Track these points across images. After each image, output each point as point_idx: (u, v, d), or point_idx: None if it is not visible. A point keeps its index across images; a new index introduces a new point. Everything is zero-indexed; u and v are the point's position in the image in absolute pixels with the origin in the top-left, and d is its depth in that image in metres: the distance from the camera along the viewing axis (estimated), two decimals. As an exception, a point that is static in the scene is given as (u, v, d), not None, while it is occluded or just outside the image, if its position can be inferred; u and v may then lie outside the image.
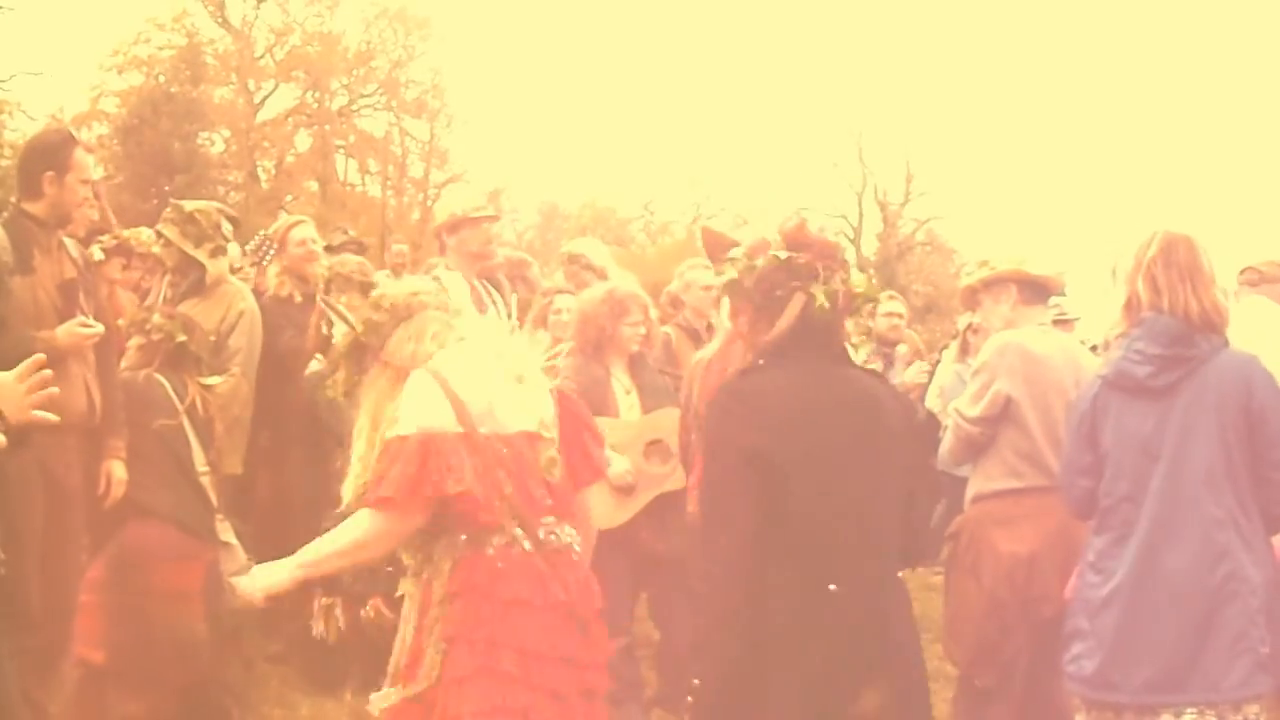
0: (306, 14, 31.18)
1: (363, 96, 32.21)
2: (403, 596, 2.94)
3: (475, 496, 2.71)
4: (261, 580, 2.82)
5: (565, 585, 2.80)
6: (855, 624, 2.69)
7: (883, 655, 2.75)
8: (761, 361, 2.81)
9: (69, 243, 4.23)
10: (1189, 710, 3.12)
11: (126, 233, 6.17)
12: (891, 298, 7.26)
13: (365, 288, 5.03)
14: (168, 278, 5.29)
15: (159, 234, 5.27)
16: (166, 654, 3.98)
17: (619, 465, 4.55)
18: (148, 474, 4.16)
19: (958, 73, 51.00)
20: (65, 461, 4.01)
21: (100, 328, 4.04)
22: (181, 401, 4.32)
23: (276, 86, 30.91)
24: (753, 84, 54.54)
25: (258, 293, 5.60)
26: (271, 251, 5.95)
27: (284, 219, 6.30)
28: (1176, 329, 3.17)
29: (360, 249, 8.20)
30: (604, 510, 4.52)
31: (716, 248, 2.99)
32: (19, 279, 3.96)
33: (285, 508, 5.08)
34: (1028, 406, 3.92)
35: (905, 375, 6.22)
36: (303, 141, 31.42)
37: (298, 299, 5.47)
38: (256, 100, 30.58)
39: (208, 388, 4.44)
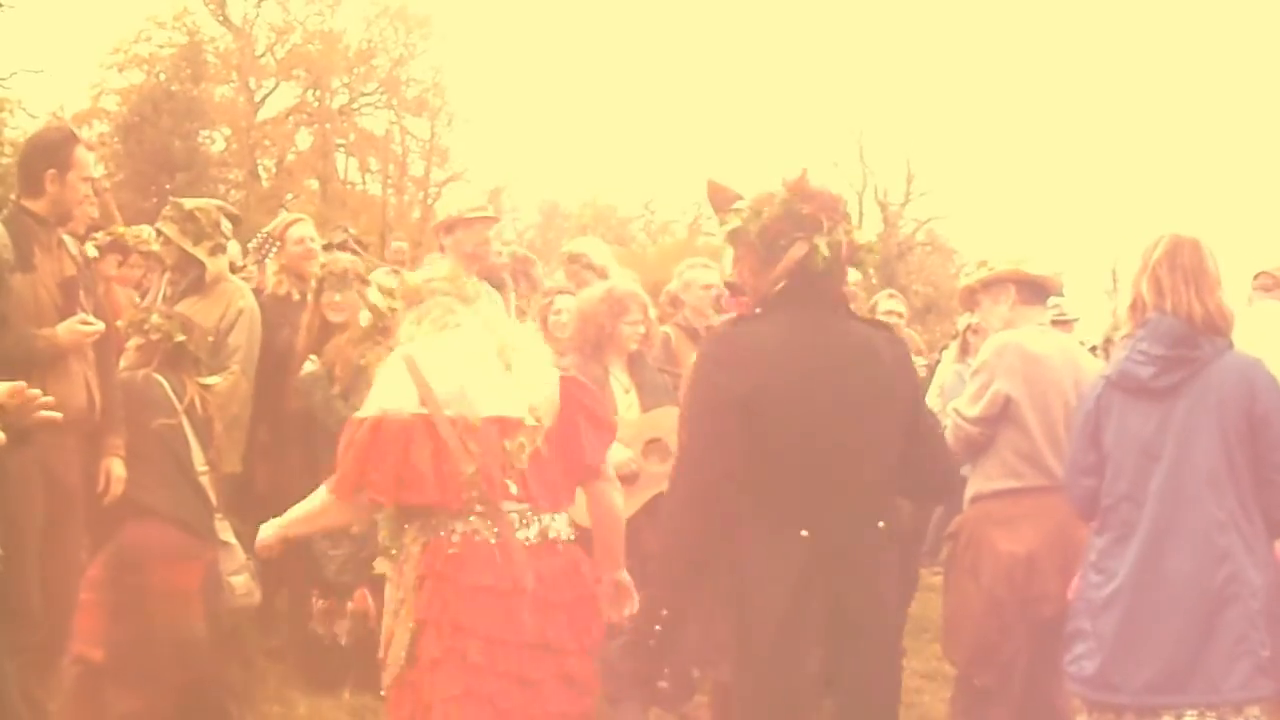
0: (307, 12, 31.21)
1: (363, 95, 32.22)
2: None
3: (424, 477, 2.74)
4: (259, 537, 3.13)
5: (538, 572, 2.80)
6: (829, 570, 2.74)
7: (858, 604, 2.79)
8: (759, 310, 2.86)
9: (68, 240, 4.23)
10: (1189, 712, 3.12)
11: (120, 229, 6.18)
12: (891, 296, 7.24)
13: (359, 285, 5.02)
14: (167, 275, 5.29)
15: (158, 232, 5.28)
16: (165, 653, 3.98)
17: (619, 454, 4.56)
18: (147, 473, 4.15)
19: (958, 73, 51.02)
20: (65, 459, 4.01)
21: (101, 325, 4.04)
22: (180, 401, 4.31)
23: (277, 85, 30.92)
24: (753, 83, 54.57)
25: (257, 291, 5.60)
26: (272, 250, 5.95)
27: (283, 217, 6.30)
28: (1180, 330, 3.17)
29: (361, 247, 8.21)
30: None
31: (721, 200, 3.01)
32: (19, 276, 3.96)
33: (284, 506, 5.07)
34: (1027, 406, 3.93)
35: None
36: (303, 140, 31.44)
37: (296, 297, 5.47)
38: (257, 98, 30.59)
39: (206, 387, 4.44)
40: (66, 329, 3.95)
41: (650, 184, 44.94)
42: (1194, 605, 3.13)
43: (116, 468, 4.11)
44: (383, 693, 2.89)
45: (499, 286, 5.15)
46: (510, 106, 45.90)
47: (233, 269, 5.66)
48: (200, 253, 5.05)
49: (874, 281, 4.30)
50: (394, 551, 2.94)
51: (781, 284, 2.83)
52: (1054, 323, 4.62)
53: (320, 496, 2.95)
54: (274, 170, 30.86)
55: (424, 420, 2.79)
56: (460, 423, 2.81)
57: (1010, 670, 3.90)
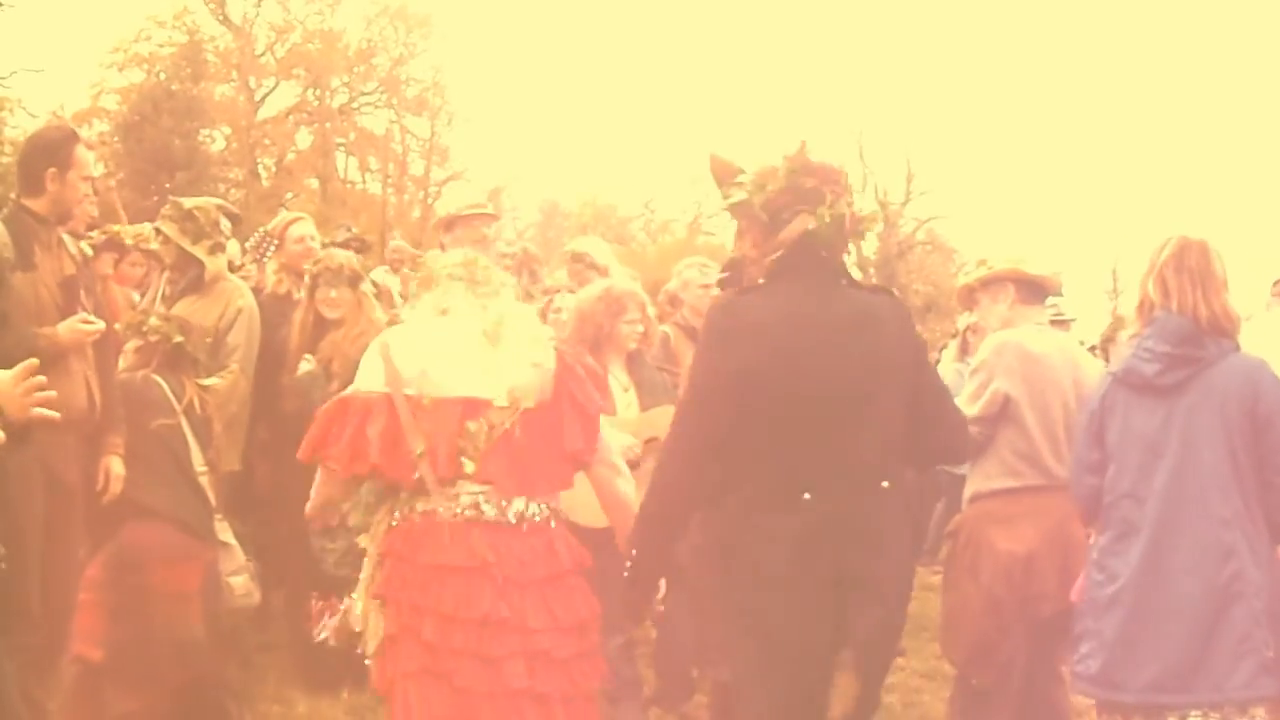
0: (307, 11, 31.27)
1: (363, 94, 32.27)
2: None
3: (372, 449, 2.84)
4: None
5: (503, 551, 2.82)
6: (831, 533, 2.77)
7: (863, 566, 2.81)
8: (763, 281, 2.89)
9: (67, 239, 4.23)
10: (1194, 713, 3.13)
11: (117, 227, 6.17)
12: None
13: (354, 281, 5.01)
14: (166, 274, 5.29)
15: (158, 231, 5.27)
16: (165, 653, 3.98)
17: (621, 440, 4.56)
18: (146, 474, 4.15)
19: (958, 72, 51.04)
20: (65, 459, 4.01)
21: (102, 324, 4.05)
22: (179, 402, 4.32)
23: (277, 84, 30.97)
24: (753, 82, 54.60)
25: (257, 290, 5.60)
26: (272, 248, 5.94)
27: (283, 216, 6.29)
28: (1187, 329, 3.20)
29: (363, 246, 8.20)
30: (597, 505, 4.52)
31: (724, 174, 3.04)
32: (20, 275, 3.96)
33: (284, 504, 5.08)
34: (1026, 406, 3.93)
35: None
36: (303, 139, 31.49)
37: (296, 296, 5.46)
38: (257, 98, 30.63)
39: (205, 388, 4.44)
40: (68, 328, 3.95)
41: (650, 183, 44.96)
42: (1198, 603, 3.14)
43: (116, 466, 4.11)
44: (367, 661, 2.96)
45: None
46: (510, 106, 46.09)
47: (231, 268, 5.65)
48: (199, 252, 5.04)
49: (874, 281, 4.28)
50: (367, 531, 3.03)
51: (781, 253, 2.88)
52: (1051, 322, 4.62)
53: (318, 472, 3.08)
54: (274, 169, 30.90)
55: (385, 398, 2.90)
56: (414, 401, 2.88)
57: (1009, 669, 3.90)
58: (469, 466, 2.86)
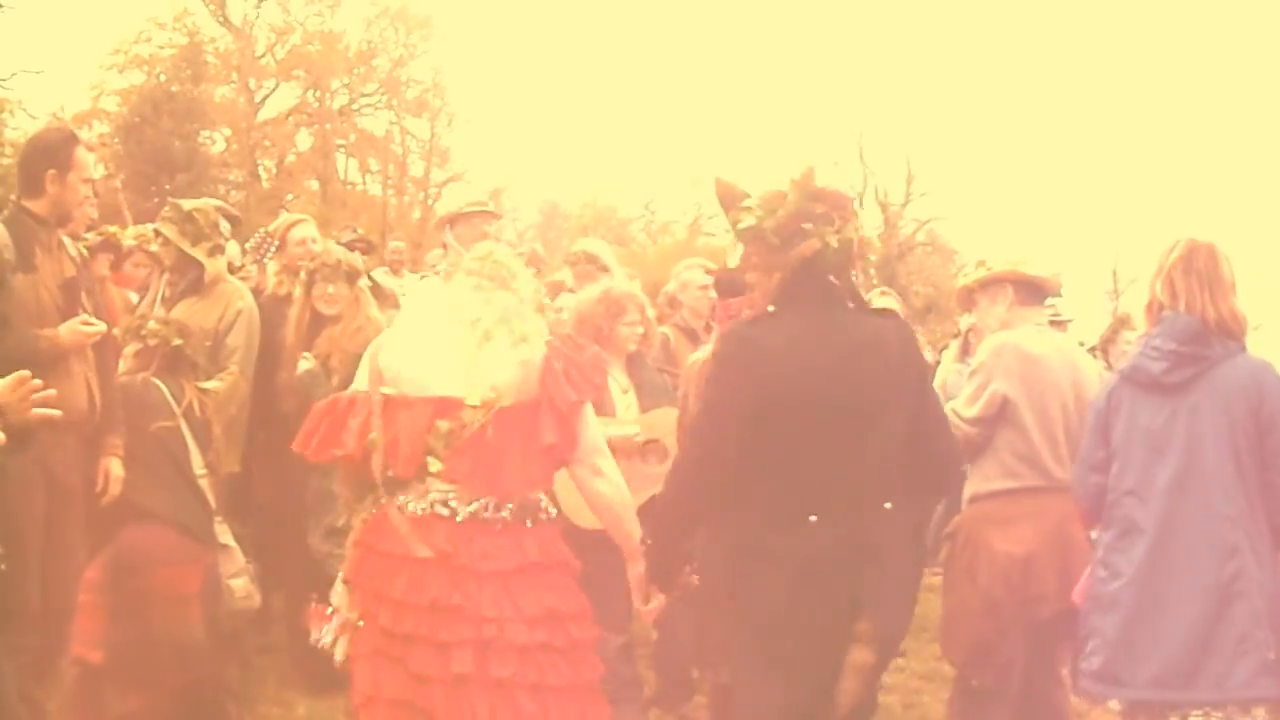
0: (307, 13, 31.22)
1: (363, 95, 32.24)
2: None
3: (345, 442, 2.99)
4: None
5: (458, 543, 2.87)
6: (836, 553, 2.83)
7: (867, 587, 2.86)
8: (771, 308, 2.94)
9: (67, 241, 4.23)
10: (1194, 713, 3.14)
11: (112, 228, 6.17)
12: (884, 294, 7.23)
13: (352, 277, 4.99)
14: (166, 276, 5.29)
15: (157, 232, 5.27)
16: (164, 656, 3.98)
17: (622, 429, 4.56)
18: (146, 476, 4.15)
19: (959, 73, 51.01)
20: (66, 460, 4.01)
21: (103, 326, 4.06)
22: (178, 405, 4.32)
23: (277, 85, 30.94)
24: (753, 83, 54.54)
25: (257, 291, 5.60)
26: (272, 249, 5.94)
27: (284, 217, 6.29)
28: (1194, 328, 3.23)
29: (369, 247, 8.21)
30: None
31: (729, 198, 3.06)
32: (21, 277, 3.96)
33: (283, 506, 5.08)
34: (1025, 407, 3.93)
35: None
36: (304, 140, 31.45)
37: (296, 297, 5.45)
38: (257, 99, 30.61)
39: (204, 391, 4.44)
40: (69, 329, 3.96)
41: (650, 185, 44.93)
42: (1199, 601, 3.15)
43: (115, 467, 4.11)
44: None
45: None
46: (510, 107, 45.91)
47: (231, 269, 5.65)
48: (199, 254, 5.04)
49: (874, 281, 4.28)
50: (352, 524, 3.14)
51: (789, 277, 2.93)
52: (1049, 323, 4.62)
53: None
54: (274, 171, 30.87)
55: (367, 396, 3.03)
56: (390, 399, 2.99)
57: (1008, 670, 3.90)
58: (434, 465, 2.93)
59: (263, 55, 30.75)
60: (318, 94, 31.29)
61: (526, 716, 2.79)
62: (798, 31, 50.63)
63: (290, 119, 31.11)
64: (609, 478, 3.08)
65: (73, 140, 4.17)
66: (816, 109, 54.60)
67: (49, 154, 4.11)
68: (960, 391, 4.22)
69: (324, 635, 3.06)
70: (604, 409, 4.59)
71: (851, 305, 3.02)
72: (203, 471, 4.31)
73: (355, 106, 32.13)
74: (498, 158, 49.84)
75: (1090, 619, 3.35)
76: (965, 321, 5.76)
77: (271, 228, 6.08)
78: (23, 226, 4.04)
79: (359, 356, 4.63)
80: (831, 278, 2.97)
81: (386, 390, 3.00)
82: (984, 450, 3.99)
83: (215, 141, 27.81)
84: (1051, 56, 46.90)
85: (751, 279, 3.07)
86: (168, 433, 4.25)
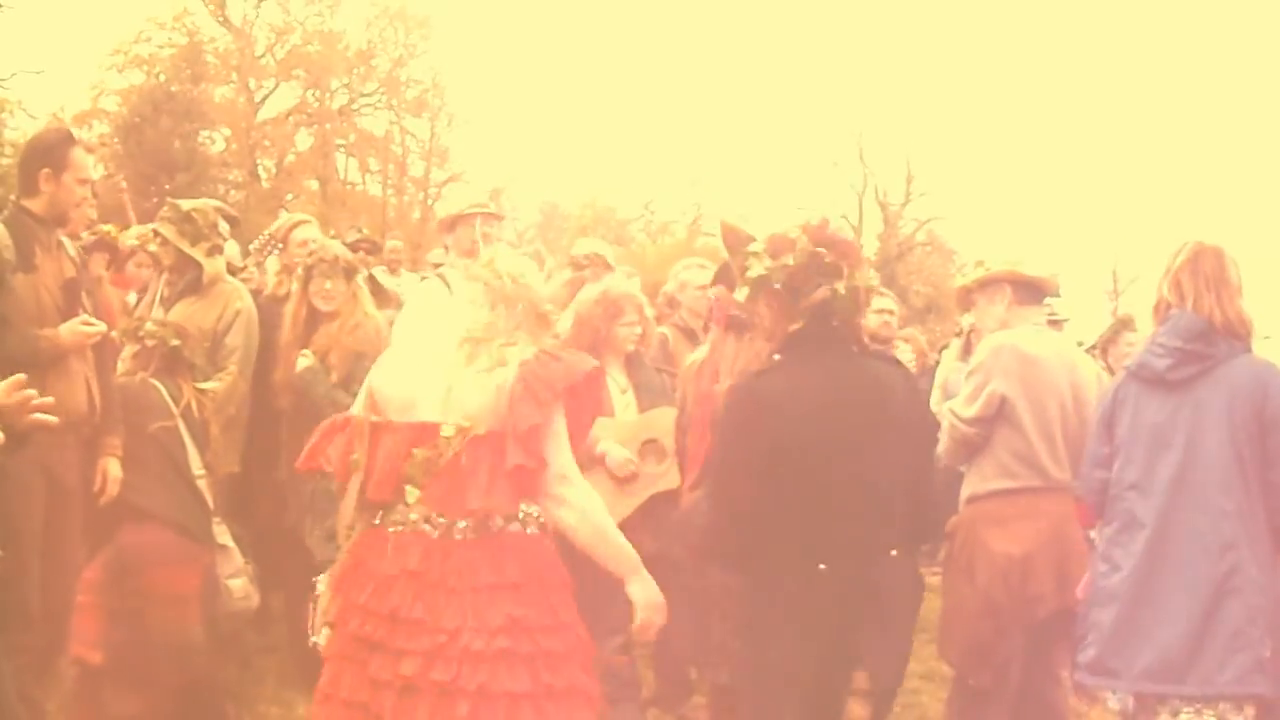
0: (307, 13, 31.22)
1: (363, 95, 32.24)
2: None
3: (331, 461, 3.09)
4: None
5: (432, 559, 2.90)
6: (844, 601, 2.89)
7: (869, 638, 2.93)
8: (778, 356, 2.98)
9: (66, 242, 4.24)
10: (1186, 709, 3.15)
11: (106, 227, 6.17)
12: (881, 294, 7.22)
13: (349, 273, 4.96)
14: (165, 276, 5.29)
15: (155, 232, 5.27)
16: (163, 656, 3.98)
17: (618, 453, 4.57)
18: (145, 477, 4.16)
19: (958, 73, 51.02)
20: (65, 461, 4.02)
21: (103, 326, 4.06)
22: (176, 405, 4.32)
23: (277, 85, 30.94)
24: (753, 83, 54.55)
25: (257, 292, 5.59)
26: (275, 250, 5.93)
27: (287, 218, 6.26)
28: (1199, 326, 3.26)
29: (374, 248, 8.21)
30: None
31: (735, 242, 3.08)
32: (21, 277, 3.97)
33: (281, 505, 5.07)
34: (1023, 407, 3.93)
35: None
36: (303, 140, 31.45)
37: (297, 296, 5.44)
38: (257, 99, 30.61)
39: (202, 391, 4.45)
40: (69, 330, 3.96)
41: (650, 185, 44.94)
42: (1194, 595, 3.17)
43: (113, 468, 4.11)
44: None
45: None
46: (510, 107, 45.86)
47: (232, 270, 5.65)
48: (198, 254, 5.03)
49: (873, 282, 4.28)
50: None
51: (800, 325, 2.97)
52: (1046, 322, 4.62)
53: None
54: (274, 171, 30.87)
55: (359, 419, 3.09)
56: (376, 425, 3.04)
57: (1006, 670, 3.90)
58: (412, 495, 2.94)
59: (262, 55, 30.75)
60: (317, 94, 31.29)
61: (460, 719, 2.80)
62: (797, 31, 50.64)
63: (290, 119, 31.11)
64: (573, 505, 2.98)
65: (69, 140, 4.17)
66: (816, 109, 54.69)
67: (43, 153, 4.12)
68: (959, 391, 4.23)
69: (319, 636, 3.09)
70: (603, 410, 4.60)
71: (856, 350, 3.07)
72: (201, 472, 4.31)
73: (355, 106, 32.13)
74: (497, 158, 49.93)
75: (1090, 613, 3.38)
76: (967, 320, 5.76)
77: (274, 228, 6.06)
78: (22, 226, 4.05)
79: (358, 353, 4.65)
80: (838, 324, 3.01)
81: (374, 419, 3.05)
82: (982, 450, 4.00)
83: (215, 141, 27.81)
84: (1051, 57, 46.88)
85: (760, 323, 3.13)
86: (166, 433, 4.25)
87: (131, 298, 6.10)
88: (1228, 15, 45.28)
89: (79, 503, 4.07)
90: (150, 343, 4.40)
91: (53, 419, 2.57)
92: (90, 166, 4.25)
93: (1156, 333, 3.36)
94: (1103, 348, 6.74)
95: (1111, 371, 6.15)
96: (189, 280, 5.08)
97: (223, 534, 4.41)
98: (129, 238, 6.46)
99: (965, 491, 4.09)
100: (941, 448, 4.14)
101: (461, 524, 2.92)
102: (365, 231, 8.85)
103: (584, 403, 3.05)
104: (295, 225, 5.88)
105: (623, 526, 4.55)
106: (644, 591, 3.04)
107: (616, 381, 4.76)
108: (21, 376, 2.54)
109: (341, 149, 32.13)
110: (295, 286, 5.05)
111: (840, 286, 2.96)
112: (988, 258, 4.26)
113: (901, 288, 28.82)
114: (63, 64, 45.78)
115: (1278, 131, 39.89)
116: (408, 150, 32.77)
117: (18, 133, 19.53)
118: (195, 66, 26.67)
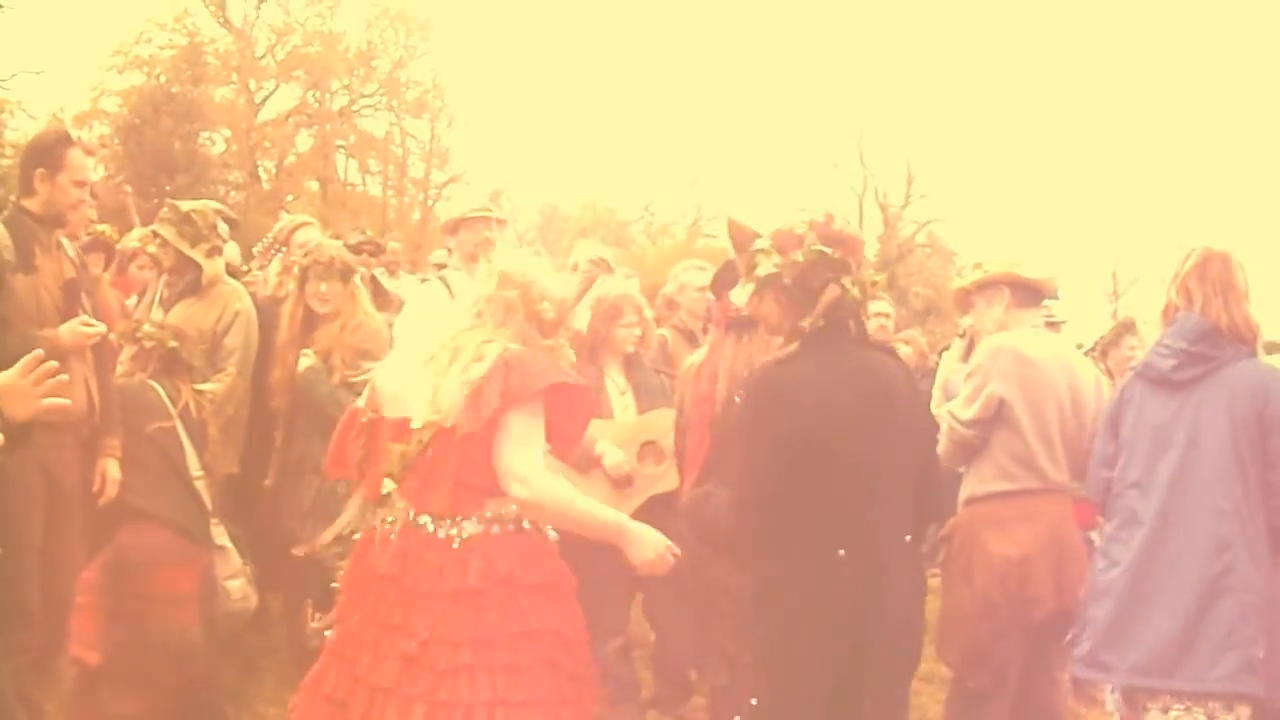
0: (307, 14, 31.23)
1: (363, 96, 32.26)
2: None
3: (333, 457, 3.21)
4: None
5: (409, 561, 2.94)
6: (860, 586, 2.93)
7: (881, 614, 2.97)
8: (794, 347, 3.02)
9: (66, 243, 4.24)
10: (1176, 707, 3.17)
11: (101, 226, 6.17)
12: (878, 298, 7.22)
13: (345, 274, 4.94)
14: (164, 277, 5.29)
15: (155, 234, 5.28)
16: (161, 657, 3.98)
17: (614, 456, 4.57)
18: (143, 478, 4.16)
19: (959, 75, 51.04)
20: (65, 461, 4.02)
21: (102, 327, 4.07)
22: (175, 406, 4.32)
23: (277, 86, 30.95)
24: (753, 85, 54.59)
25: (257, 294, 5.59)
26: (279, 253, 5.93)
27: (289, 219, 6.24)
28: (1205, 328, 3.30)
29: (378, 249, 8.19)
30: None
31: (742, 239, 3.10)
32: (21, 277, 3.98)
33: (278, 505, 5.06)
34: (1021, 409, 3.94)
35: None
36: (303, 141, 31.46)
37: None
38: (257, 100, 30.63)
39: (200, 392, 4.45)
40: (69, 330, 3.97)
41: (650, 186, 44.94)
42: (1187, 592, 3.19)
43: (112, 469, 4.12)
44: None
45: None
46: (510, 109, 45.98)
47: (235, 273, 5.65)
48: (197, 255, 5.03)
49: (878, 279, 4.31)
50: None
51: (814, 322, 3.00)
52: (1044, 324, 4.62)
53: None
54: (274, 172, 30.88)
55: (367, 417, 3.18)
56: (371, 422, 3.13)
57: (1004, 672, 3.90)
58: (387, 486, 3.00)
59: (263, 56, 30.77)
60: (318, 95, 31.30)
61: None
62: (798, 33, 50.63)
63: (290, 120, 31.12)
64: (529, 504, 2.94)
65: (65, 141, 4.17)
66: (816, 111, 54.70)
67: (40, 154, 4.13)
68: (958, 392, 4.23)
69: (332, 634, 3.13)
70: (602, 411, 4.61)
71: (864, 344, 3.12)
72: (199, 473, 4.31)
73: (355, 107, 32.15)
74: (497, 159, 49.92)
75: (1088, 608, 3.41)
76: (967, 322, 5.76)
77: (276, 229, 6.05)
78: (22, 227, 4.05)
79: (361, 353, 4.65)
80: (848, 319, 3.06)
81: (369, 415, 3.13)
82: (980, 452, 4.00)
83: (215, 142, 27.81)
84: (1051, 59, 46.94)
85: (766, 319, 3.15)
86: (164, 434, 4.25)
87: (133, 301, 6.10)
88: (1227, 16, 45.31)
89: (78, 503, 4.08)
90: (148, 344, 4.41)
91: (64, 401, 2.56)
92: (88, 168, 4.24)
93: (1164, 334, 3.40)
94: (1103, 350, 6.72)
95: (1111, 374, 6.15)
96: (188, 281, 5.08)
97: (221, 535, 4.41)
98: (131, 240, 6.45)
99: (963, 493, 4.09)
100: (940, 449, 4.14)
101: (426, 521, 2.95)
102: (368, 233, 8.82)
103: (568, 411, 3.01)
104: (297, 227, 5.88)
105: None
106: (639, 552, 3.04)
107: (615, 383, 4.76)
108: (39, 353, 2.54)
109: (342, 150, 32.15)
110: (292, 286, 5.03)
111: (848, 283, 3.00)
112: (986, 259, 4.26)
113: (901, 290, 28.85)
114: (63, 65, 45.84)
115: (1278, 133, 39.89)
116: (408, 151, 32.82)
117: (18, 133, 19.56)
118: (196, 67, 26.67)
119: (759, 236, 3.12)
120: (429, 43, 32.16)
